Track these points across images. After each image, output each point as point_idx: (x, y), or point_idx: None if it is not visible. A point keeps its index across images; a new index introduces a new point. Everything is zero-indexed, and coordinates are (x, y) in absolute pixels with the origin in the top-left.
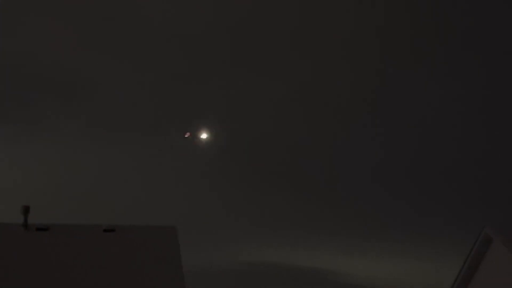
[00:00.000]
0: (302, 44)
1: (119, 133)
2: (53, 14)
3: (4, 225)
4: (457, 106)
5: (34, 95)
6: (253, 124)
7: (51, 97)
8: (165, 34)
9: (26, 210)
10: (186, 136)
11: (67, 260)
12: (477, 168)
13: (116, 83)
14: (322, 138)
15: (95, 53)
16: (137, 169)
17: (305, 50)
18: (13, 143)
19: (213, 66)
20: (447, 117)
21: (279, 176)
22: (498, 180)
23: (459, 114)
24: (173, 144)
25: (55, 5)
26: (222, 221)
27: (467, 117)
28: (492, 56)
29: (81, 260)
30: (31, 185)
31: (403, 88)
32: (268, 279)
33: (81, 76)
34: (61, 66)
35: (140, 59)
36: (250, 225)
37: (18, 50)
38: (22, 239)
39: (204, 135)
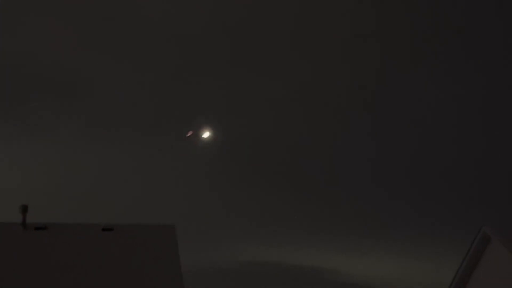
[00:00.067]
0: (302, 44)
1: (119, 133)
2: (53, 14)
3: (3, 224)
4: (456, 106)
5: (34, 95)
6: (253, 124)
7: (51, 97)
8: (164, 34)
9: (24, 209)
10: (188, 135)
11: (65, 259)
12: (476, 168)
13: (116, 83)
14: (321, 138)
15: (95, 53)
16: (137, 169)
17: (305, 50)
18: (13, 142)
19: (213, 66)
20: (446, 117)
21: (278, 176)
22: (496, 180)
23: (458, 114)
24: (173, 144)
25: (55, 5)
26: (222, 221)
27: (466, 117)
28: (491, 57)
29: (80, 259)
30: (31, 185)
31: (402, 88)
32: (268, 279)
33: (81, 76)
34: (61, 66)
35: (140, 59)
36: (250, 225)
37: (18, 50)
38: (21, 238)
39: (206, 134)
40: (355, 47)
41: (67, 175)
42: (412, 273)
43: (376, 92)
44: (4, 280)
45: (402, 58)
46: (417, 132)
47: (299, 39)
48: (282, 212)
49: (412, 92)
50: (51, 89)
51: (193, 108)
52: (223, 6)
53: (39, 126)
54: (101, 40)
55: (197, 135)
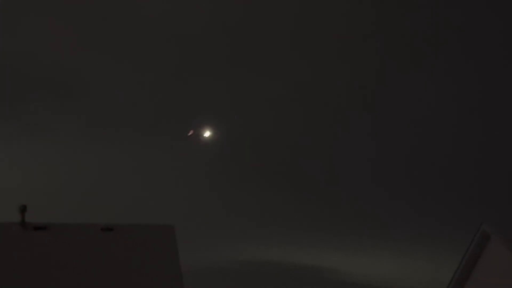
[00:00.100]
0: (302, 44)
1: (119, 133)
2: (53, 14)
3: (2, 224)
4: (455, 106)
5: (34, 95)
6: (253, 124)
7: (51, 97)
8: (164, 34)
9: (23, 209)
10: (189, 134)
11: (64, 259)
12: (475, 167)
13: (116, 83)
14: (322, 138)
15: (94, 53)
16: (137, 169)
17: (305, 50)
18: (12, 142)
19: (213, 66)
20: (445, 117)
21: (278, 176)
22: (496, 180)
23: (457, 114)
24: (173, 144)
25: (55, 5)
26: (222, 221)
27: (465, 116)
28: (490, 56)
29: (79, 259)
30: (31, 185)
31: (402, 88)
32: (268, 279)
33: (81, 76)
34: (61, 66)
35: (140, 59)
36: (250, 225)
37: (18, 50)
38: (20, 238)
39: (206, 134)
40: (355, 47)
41: (67, 175)
42: (412, 272)
43: (376, 92)
44: (3, 280)
45: (402, 58)
46: (416, 132)
47: (299, 39)
48: (282, 211)
49: (412, 92)
50: (51, 89)
51: (193, 108)
52: (223, 6)
53: (39, 126)
54: (101, 40)
55: (197, 135)
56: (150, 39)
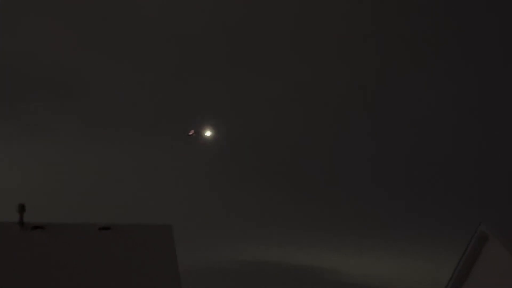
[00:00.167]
0: (302, 44)
1: (119, 132)
2: (53, 14)
3: (0, 223)
4: (454, 106)
5: (33, 95)
6: (253, 124)
7: (50, 97)
8: (164, 34)
9: (21, 208)
10: (190, 133)
11: (62, 258)
12: (474, 167)
13: (116, 82)
14: (321, 137)
15: (94, 53)
16: (137, 169)
17: (305, 50)
18: (12, 142)
19: (213, 66)
20: (445, 117)
21: (278, 176)
22: (495, 180)
23: (457, 114)
24: (173, 144)
25: (55, 5)
26: (221, 221)
27: (465, 116)
28: (489, 57)
29: (77, 258)
30: (30, 185)
31: (402, 89)
32: (267, 279)
33: (80, 76)
34: (60, 66)
35: (140, 59)
36: (249, 224)
37: (17, 50)
38: (18, 238)
39: (206, 134)
40: (355, 47)
41: (67, 175)
42: (411, 272)
43: (376, 92)
44: (2, 279)
45: (402, 59)
46: (416, 132)
47: (299, 39)
48: (282, 211)
49: (412, 92)
50: (51, 89)
51: (193, 108)
52: (223, 6)
53: (39, 126)
54: (101, 40)
55: (197, 134)
56: (150, 39)
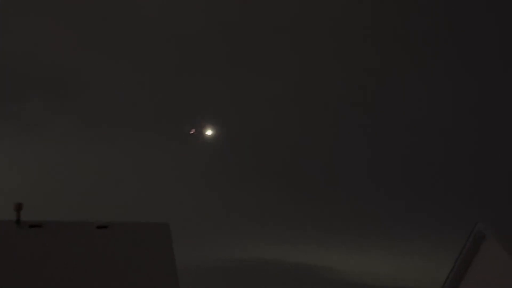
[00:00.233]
0: (302, 44)
1: (118, 132)
2: (53, 14)
3: None
4: (454, 106)
5: (33, 94)
6: (252, 123)
7: (50, 97)
8: (164, 34)
9: (18, 207)
10: (191, 132)
11: (59, 257)
12: (471, 165)
13: (115, 82)
14: (320, 137)
15: (94, 53)
16: (136, 168)
17: (305, 50)
18: (10, 141)
19: (213, 66)
20: (443, 117)
21: (276, 175)
22: (492, 178)
23: (455, 114)
24: (172, 143)
25: (55, 5)
26: (220, 219)
27: (462, 116)
28: (487, 57)
29: (74, 257)
30: (29, 184)
31: (402, 89)
32: (264, 277)
33: (80, 76)
34: (60, 65)
35: (139, 59)
36: (247, 223)
37: (17, 50)
38: (15, 236)
39: (207, 133)
40: (355, 47)
41: (66, 174)
42: (408, 271)
43: (376, 92)
44: None
45: (402, 59)
46: (414, 131)
47: (299, 39)
48: (280, 210)
49: (411, 92)
50: (50, 89)
51: (193, 108)
52: (223, 6)
53: (38, 126)
54: (101, 40)
55: (197, 134)
56: (149, 39)
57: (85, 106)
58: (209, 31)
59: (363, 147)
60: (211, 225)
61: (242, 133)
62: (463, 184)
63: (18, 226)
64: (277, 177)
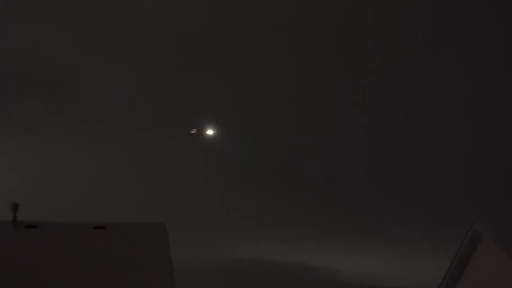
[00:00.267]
0: (302, 44)
1: (118, 132)
2: (53, 14)
3: None
4: (451, 105)
5: (32, 94)
6: (251, 123)
7: (50, 97)
8: (164, 34)
9: (15, 207)
10: (192, 132)
11: (56, 257)
12: (468, 165)
13: (114, 82)
14: (318, 137)
15: (93, 52)
16: (136, 168)
17: (305, 51)
18: (9, 141)
19: (213, 66)
20: (441, 116)
21: (275, 174)
22: (489, 177)
23: (454, 113)
24: (171, 143)
25: (55, 5)
26: (219, 219)
27: (461, 116)
28: (486, 56)
29: (70, 257)
30: (26, 184)
31: (401, 88)
32: (261, 277)
33: (80, 75)
34: (60, 65)
35: (139, 59)
36: (246, 223)
37: (16, 50)
38: (11, 236)
39: (208, 132)
40: (355, 47)
41: (65, 174)
42: (405, 270)
43: (376, 92)
44: None
45: (402, 59)
46: (413, 131)
47: (300, 39)
48: (279, 210)
49: (411, 92)
50: (50, 89)
51: (192, 108)
52: (223, 6)
53: (37, 126)
54: (100, 39)
55: (197, 134)
56: (149, 39)
57: (84, 106)
58: (209, 31)
59: (362, 147)
60: (211, 225)
61: (242, 133)
62: (460, 185)
63: (14, 227)
64: (276, 177)
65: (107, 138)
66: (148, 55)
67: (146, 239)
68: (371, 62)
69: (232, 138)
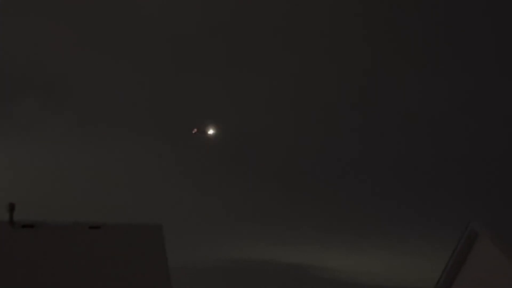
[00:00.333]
0: (301, 44)
1: (114, 132)
2: (50, 14)
3: None
4: (446, 104)
5: (30, 94)
6: (250, 123)
7: (47, 97)
8: (163, 33)
9: (11, 207)
10: (193, 132)
11: (52, 257)
12: (465, 165)
13: (112, 82)
14: (316, 136)
15: (92, 53)
16: (131, 168)
17: (305, 51)
18: (4, 141)
19: (212, 66)
20: (440, 116)
21: (272, 174)
22: (484, 176)
23: (448, 112)
24: (168, 143)
25: (54, 5)
26: (216, 219)
27: (457, 115)
28: (480, 56)
29: (67, 257)
30: (24, 183)
31: (401, 88)
32: (257, 276)
33: (75, 75)
34: (57, 65)
35: (138, 59)
36: (244, 223)
37: (15, 50)
38: (8, 236)
39: (208, 132)
40: (356, 47)
41: (60, 174)
42: (401, 269)
43: (375, 92)
44: None
45: (403, 59)
46: (409, 130)
47: (299, 39)
48: (277, 210)
49: (411, 92)
50: (47, 89)
51: (192, 108)
52: (223, 6)
53: (34, 126)
54: (99, 39)
55: (196, 134)
56: (149, 39)
57: (83, 106)
58: (209, 31)
59: (355, 146)
60: (211, 225)
61: (241, 133)
62: (456, 184)
63: (11, 226)
64: (276, 177)
65: (105, 138)
66: (147, 55)
67: (142, 239)
68: (371, 62)
69: (231, 138)
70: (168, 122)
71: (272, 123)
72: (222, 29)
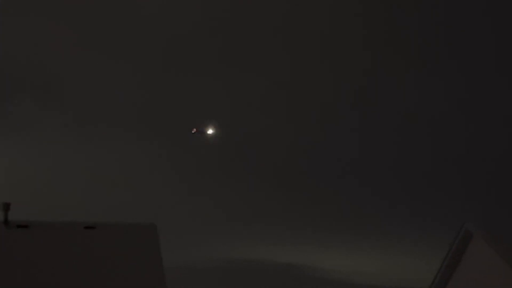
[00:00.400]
0: (301, 44)
1: (112, 131)
2: (50, 14)
3: None
4: (443, 104)
5: (26, 94)
6: (249, 123)
7: (45, 97)
8: (162, 34)
9: (6, 207)
10: (193, 131)
11: (47, 257)
12: (460, 166)
13: (111, 82)
14: (315, 136)
15: (91, 53)
16: (127, 168)
17: (304, 51)
18: (7, 141)
19: (210, 66)
20: (440, 116)
21: (271, 174)
22: (480, 177)
23: (447, 113)
24: (166, 143)
25: (53, 5)
26: (215, 219)
27: (454, 115)
28: (478, 57)
29: (61, 257)
30: (21, 183)
31: (400, 88)
32: (254, 276)
33: (73, 75)
34: (55, 65)
35: (136, 59)
36: (237, 223)
37: (14, 50)
38: (2, 236)
39: (206, 132)
40: (355, 47)
41: (55, 174)
42: (397, 269)
43: (375, 92)
44: None
45: (403, 59)
46: (406, 131)
47: (299, 39)
48: (270, 210)
49: (410, 91)
50: (45, 89)
51: (190, 108)
52: (223, 6)
53: (31, 126)
54: (98, 39)
55: (194, 134)
56: (148, 39)
57: (81, 106)
58: (209, 31)
59: (348, 144)
60: (210, 225)
61: (240, 133)
62: (451, 185)
63: (6, 226)
64: (275, 177)
65: (102, 138)
66: (146, 56)
67: (136, 239)
68: (370, 62)
69: (231, 138)
70: (167, 122)
71: (272, 123)
72: (222, 29)
